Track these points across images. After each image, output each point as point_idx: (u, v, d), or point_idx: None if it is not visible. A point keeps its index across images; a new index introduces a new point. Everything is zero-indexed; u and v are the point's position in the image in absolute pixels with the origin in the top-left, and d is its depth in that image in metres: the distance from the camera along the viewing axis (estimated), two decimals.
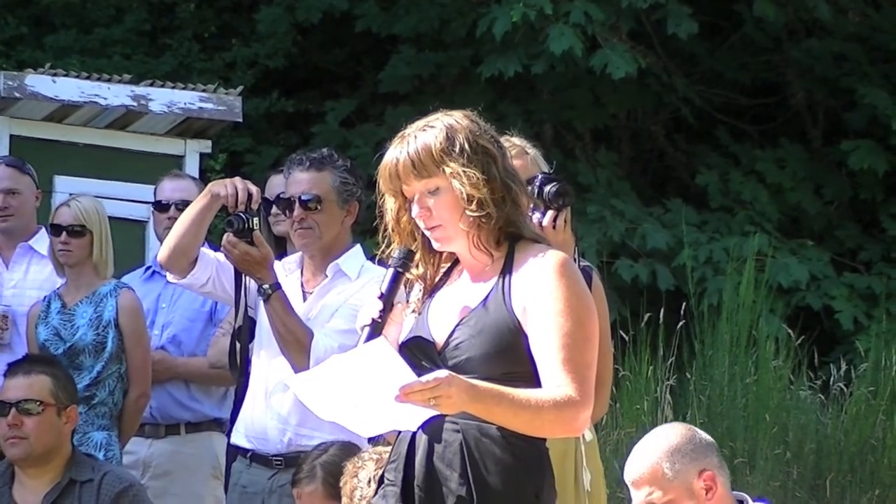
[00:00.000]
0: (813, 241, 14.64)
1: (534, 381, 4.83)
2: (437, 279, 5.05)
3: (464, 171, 4.85)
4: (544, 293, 4.85)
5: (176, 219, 7.61)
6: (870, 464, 11.70)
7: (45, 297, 8.13)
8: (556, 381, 4.80)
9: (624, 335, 11.47)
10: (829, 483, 11.53)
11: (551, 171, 6.54)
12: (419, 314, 4.99)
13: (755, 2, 14.71)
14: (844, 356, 12.65)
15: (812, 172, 15.29)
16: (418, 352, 4.88)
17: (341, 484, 6.30)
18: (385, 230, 5.00)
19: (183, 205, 7.96)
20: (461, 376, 4.69)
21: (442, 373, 4.66)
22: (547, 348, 4.83)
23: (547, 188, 6.33)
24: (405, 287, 5.01)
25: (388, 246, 5.00)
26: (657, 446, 5.78)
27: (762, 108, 16.15)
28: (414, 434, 4.92)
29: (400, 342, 4.95)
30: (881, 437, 11.80)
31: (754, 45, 15.79)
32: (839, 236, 15.02)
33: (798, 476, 11.54)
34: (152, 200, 8.63)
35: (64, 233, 8.04)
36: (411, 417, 4.71)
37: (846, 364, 12.34)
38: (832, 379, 12.26)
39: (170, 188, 8.51)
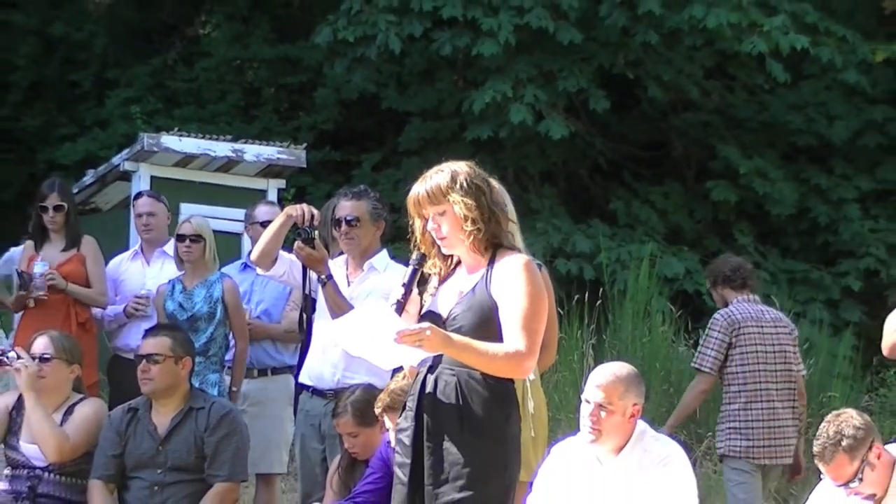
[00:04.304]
0: (687, 247, 14.62)
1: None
2: (448, 273, 5.07)
3: (462, 200, 4.90)
4: (511, 283, 4.89)
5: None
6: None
7: (169, 282, 8.12)
8: (511, 339, 4.83)
9: (560, 310, 11.43)
10: (698, 409, 11.45)
11: None
12: (434, 296, 5.02)
13: (649, 87, 14.71)
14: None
15: (687, 201, 15.28)
16: (430, 321, 4.88)
17: (381, 398, 6.30)
18: (414, 241, 5.04)
19: (267, 223, 7.97)
20: (442, 330, 4.77)
21: (424, 324, 4.74)
22: (509, 318, 4.86)
23: None
24: (427, 279, 5.05)
25: (417, 250, 5.05)
26: (624, 374, 5.84)
27: (654, 159, 16.14)
28: (425, 377, 4.95)
29: (420, 314, 4.99)
30: None
31: (648, 116, 15.78)
32: (705, 244, 15.00)
33: (678, 404, 11.49)
34: (242, 220, 8.61)
35: (187, 240, 8.03)
36: (410, 356, 4.80)
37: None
38: (700, 339, 12.20)
39: (265, 211, 8.48)
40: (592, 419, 5.79)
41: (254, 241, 8.37)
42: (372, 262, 7.11)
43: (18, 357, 6.92)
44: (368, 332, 4.75)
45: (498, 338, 4.86)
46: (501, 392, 4.90)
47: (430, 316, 4.95)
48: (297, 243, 7.01)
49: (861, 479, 5.90)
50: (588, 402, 5.81)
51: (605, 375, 5.82)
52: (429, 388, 4.93)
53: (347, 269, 7.16)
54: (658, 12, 13.75)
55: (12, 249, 8.71)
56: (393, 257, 7.17)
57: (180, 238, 8.05)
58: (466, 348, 4.81)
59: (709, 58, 15.03)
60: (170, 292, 8.03)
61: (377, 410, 6.32)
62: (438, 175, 4.95)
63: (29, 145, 15.82)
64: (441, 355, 4.88)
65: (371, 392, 6.64)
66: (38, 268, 8.18)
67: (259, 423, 7.82)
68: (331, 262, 7.09)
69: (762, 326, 8.32)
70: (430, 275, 5.06)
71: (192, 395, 7.08)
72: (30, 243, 8.47)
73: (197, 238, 8.01)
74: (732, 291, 8.51)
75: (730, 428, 8.24)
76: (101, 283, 8.36)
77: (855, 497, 5.94)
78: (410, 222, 5.04)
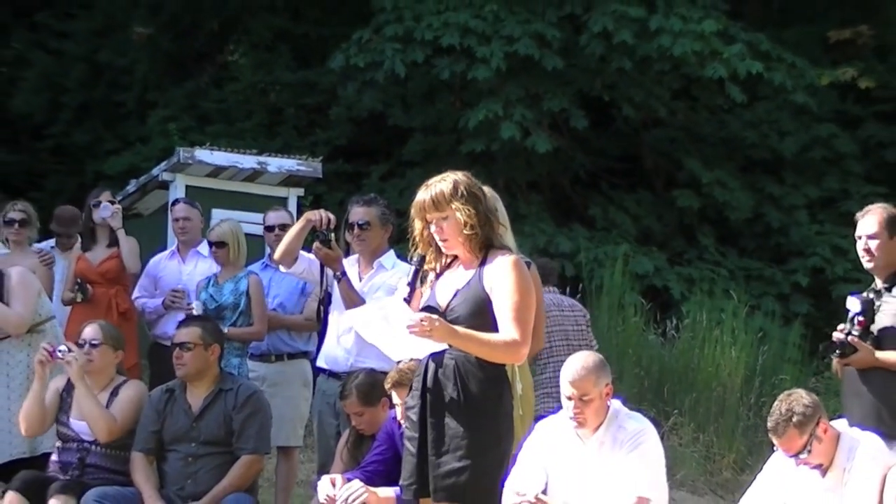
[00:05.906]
0: (657, 248, 14.61)
1: (496, 331, 4.88)
2: (443, 269, 5.06)
3: (463, 208, 4.89)
4: (503, 280, 4.89)
5: (279, 235, 7.68)
6: (689, 378, 11.68)
7: (207, 277, 8.19)
8: (506, 330, 4.83)
9: None
10: (666, 389, 11.50)
11: None
12: (432, 290, 5.03)
13: (623, 107, 14.71)
14: (675, 315, 12.62)
15: (656, 208, 15.26)
16: (430, 313, 4.87)
17: (390, 377, 6.27)
18: (412, 241, 5.03)
19: (282, 227, 8.02)
20: (447, 322, 4.77)
21: (434, 315, 4.74)
22: (502, 311, 4.86)
23: None
24: (425, 275, 5.05)
25: (415, 250, 5.04)
26: (591, 364, 5.82)
27: (627, 170, 16.10)
28: (428, 361, 4.96)
29: (421, 306, 4.98)
30: (696, 362, 11.77)
31: (623, 133, 15.77)
32: (672, 245, 14.99)
33: (648, 385, 11.51)
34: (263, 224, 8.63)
35: (213, 246, 8.10)
36: (420, 347, 4.79)
37: (676, 320, 12.32)
38: (668, 328, 12.23)
39: (273, 217, 8.48)
40: (576, 411, 5.79)
41: (267, 243, 8.42)
42: (381, 261, 7.11)
43: (69, 351, 6.96)
44: (384, 323, 4.75)
45: (491, 326, 4.86)
46: (494, 374, 4.92)
47: (429, 309, 4.94)
48: (316, 244, 7.01)
49: (810, 451, 5.91)
50: (570, 398, 5.82)
51: (577, 370, 5.79)
52: (431, 371, 4.94)
53: (359, 267, 7.16)
54: (631, 42, 13.81)
55: (35, 245, 8.76)
56: (399, 256, 7.15)
57: (210, 244, 8.18)
58: (469, 338, 4.82)
59: (675, 81, 15.03)
60: (206, 285, 8.12)
61: (387, 386, 6.33)
62: (442, 184, 4.94)
63: (79, 158, 15.85)
64: None
65: (374, 376, 6.64)
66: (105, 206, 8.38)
67: (276, 401, 7.80)
68: (344, 261, 7.09)
69: (563, 310, 8.91)
70: (427, 271, 5.05)
71: (222, 378, 7.08)
72: (78, 244, 8.56)
73: (220, 244, 8.10)
74: None
75: (543, 393, 8.56)
76: (136, 256, 8.45)
77: (804, 467, 5.96)
78: (411, 224, 5.03)
